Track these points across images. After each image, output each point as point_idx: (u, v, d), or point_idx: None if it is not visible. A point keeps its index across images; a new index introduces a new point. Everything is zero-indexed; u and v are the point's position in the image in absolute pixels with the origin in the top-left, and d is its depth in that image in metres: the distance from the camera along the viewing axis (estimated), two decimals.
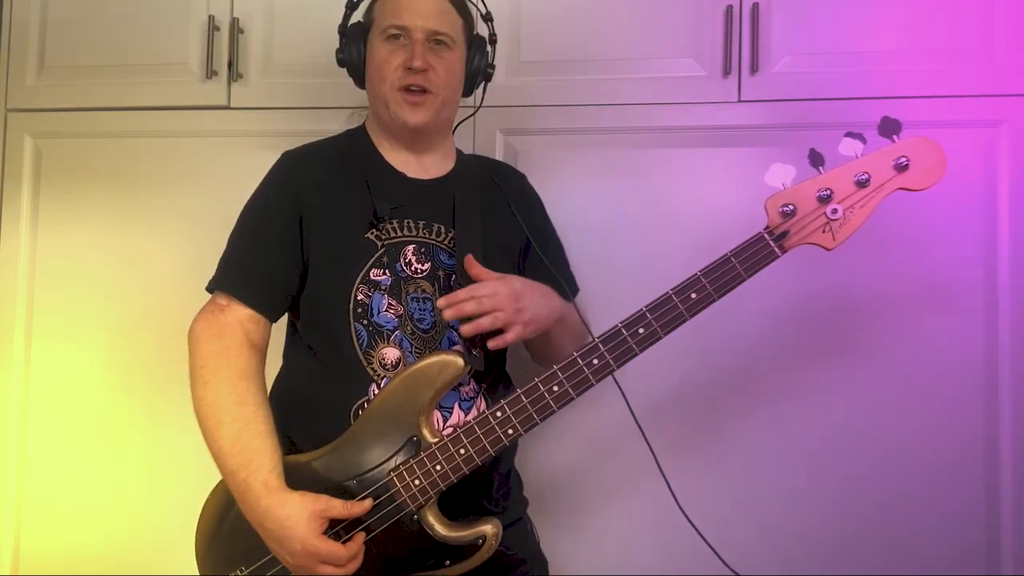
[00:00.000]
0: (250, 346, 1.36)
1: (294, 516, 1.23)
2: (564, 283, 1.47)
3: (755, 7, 1.71)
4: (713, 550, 1.39)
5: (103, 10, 1.96)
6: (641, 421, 1.39)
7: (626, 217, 1.76)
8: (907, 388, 1.67)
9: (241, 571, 1.34)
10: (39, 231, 1.97)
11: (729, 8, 1.73)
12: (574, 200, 1.76)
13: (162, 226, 1.91)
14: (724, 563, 1.39)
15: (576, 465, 1.78)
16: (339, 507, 1.26)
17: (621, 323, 1.26)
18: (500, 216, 1.47)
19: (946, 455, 1.66)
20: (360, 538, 1.28)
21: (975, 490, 1.65)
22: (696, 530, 1.39)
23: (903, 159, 1.19)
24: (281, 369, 1.48)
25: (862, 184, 1.20)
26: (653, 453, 1.39)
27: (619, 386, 1.37)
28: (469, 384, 1.38)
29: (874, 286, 1.68)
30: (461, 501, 1.35)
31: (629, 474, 1.74)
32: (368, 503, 1.28)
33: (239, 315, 1.37)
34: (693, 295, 1.24)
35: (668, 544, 1.72)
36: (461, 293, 1.30)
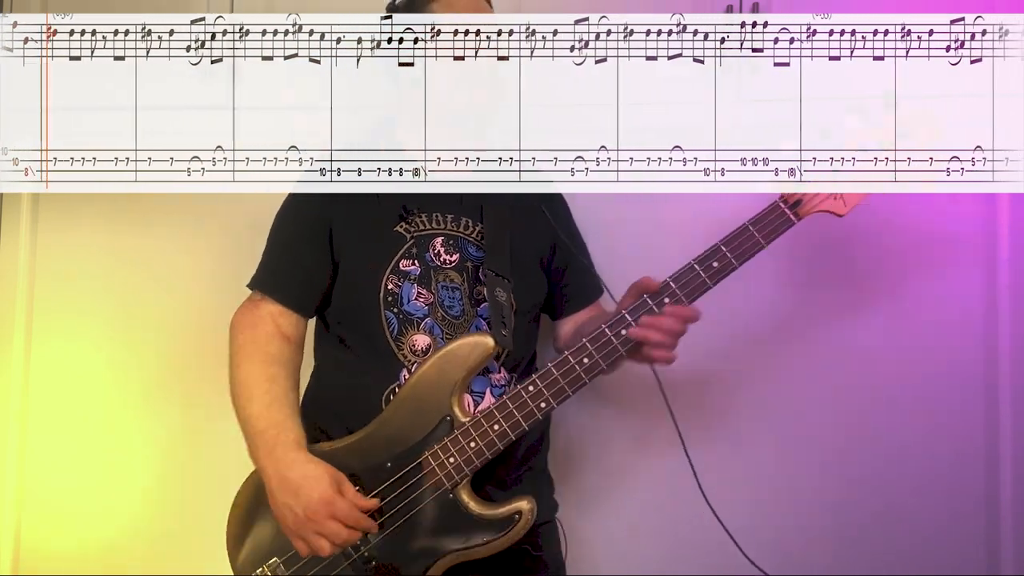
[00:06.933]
0: (281, 337, 1.42)
1: (318, 473, 1.29)
2: (593, 282, 1.55)
3: (755, 6, 1.73)
4: (733, 539, 1.41)
5: (102, 10, 1.96)
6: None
7: (626, 217, 1.78)
8: (906, 390, 1.70)
9: (275, 562, 1.35)
10: (39, 230, 1.96)
11: (729, 8, 1.74)
12: (573, 200, 1.73)
13: (162, 225, 1.91)
14: (747, 556, 1.40)
15: (580, 453, 1.79)
16: (351, 492, 1.30)
17: (649, 295, 1.31)
18: (528, 212, 1.51)
19: (946, 456, 1.68)
20: (375, 502, 1.31)
21: (975, 490, 1.67)
22: (719, 520, 1.41)
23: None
24: (313, 371, 1.52)
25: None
26: (683, 441, 1.42)
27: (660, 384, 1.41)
28: (500, 372, 1.42)
29: (873, 283, 1.71)
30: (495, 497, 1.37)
31: (633, 466, 1.76)
32: (375, 502, 1.31)
33: (270, 310, 1.43)
34: (715, 264, 1.30)
35: (673, 538, 1.74)
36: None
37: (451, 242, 1.44)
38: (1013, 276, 1.68)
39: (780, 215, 1.30)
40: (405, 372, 1.38)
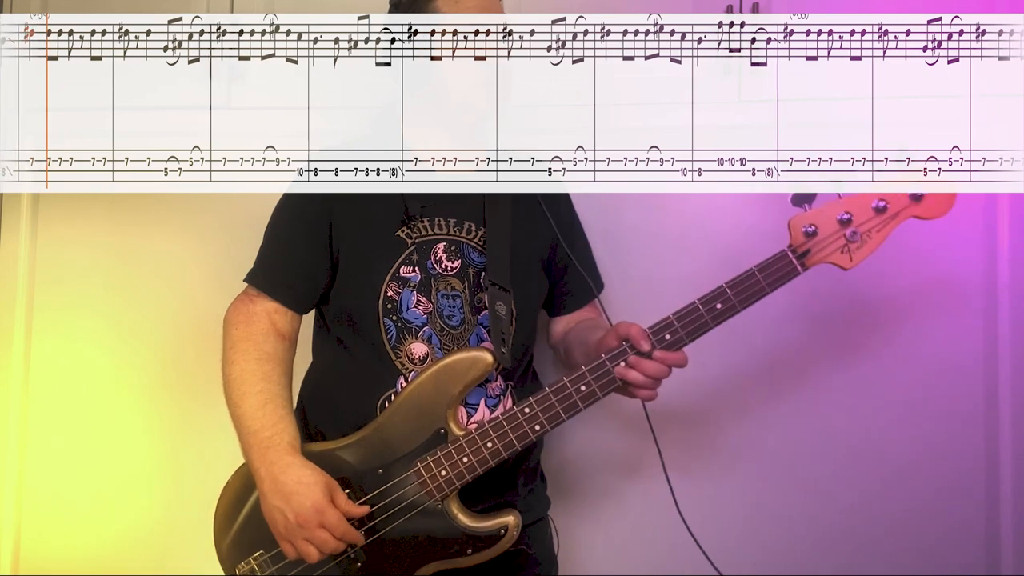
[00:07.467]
0: (276, 334, 1.41)
1: (312, 479, 1.30)
2: (591, 282, 1.54)
3: (755, 6, 1.71)
4: (704, 552, 1.46)
5: (102, 9, 1.87)
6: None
7: (626, 217, 1.79)
8: (906, 391, 1.72)
9: (261, 555, 1.38)
10: (39, 229, 1.93)
11: (729, 8, 1.71)
12: (574, 201, 1.72)
13: (161, 224, 1.89)
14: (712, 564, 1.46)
15: (581, 462, 1.82)
16: (342, 500, 1.32)
17: (650, 328, 1.33)
18: (529, 213, 1.50)
19: (946, 457, 1.71)
20: (366, 509, 1.33)
21: (975, 490, 1.70)
22: (690, 532, 1.47)
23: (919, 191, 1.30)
24: (311, 366, 1.52)
25: (880, 211, 1.29)
26: (661, 458, 1.45)
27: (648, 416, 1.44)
28: (497, 381, 1.43)
29: (875, 287, 1.72)
30: (488, 496, 1.40)
31: (632, 475, 1.79)
32: (366, 509, 1.33)
33: (266, 307, 1.43)
34: (718, 305, 1.31)
35: (668, 544, 1.74)
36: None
37: (453, 248, 1.43)
38: (1013, 275, 1.69)
39: (787, 264, 1.31)
40: (402, 380, 1.38)
